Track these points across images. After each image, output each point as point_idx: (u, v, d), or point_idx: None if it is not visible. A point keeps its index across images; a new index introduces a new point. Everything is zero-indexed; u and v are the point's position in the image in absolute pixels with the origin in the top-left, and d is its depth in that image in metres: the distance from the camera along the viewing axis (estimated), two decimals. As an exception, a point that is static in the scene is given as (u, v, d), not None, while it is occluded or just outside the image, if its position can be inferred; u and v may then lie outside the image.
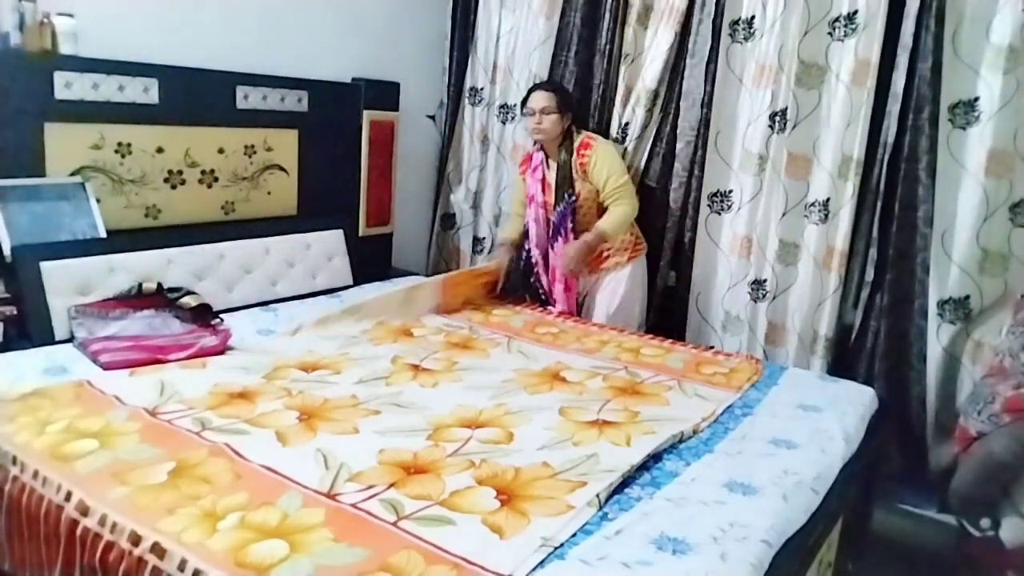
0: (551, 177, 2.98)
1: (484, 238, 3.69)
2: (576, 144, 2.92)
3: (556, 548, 1.35)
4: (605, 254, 2.96)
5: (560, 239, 2.95)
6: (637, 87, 3.10)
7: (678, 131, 3.04)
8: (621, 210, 2.87)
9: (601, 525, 1.44)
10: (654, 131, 3.10)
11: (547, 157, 3.01)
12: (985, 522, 2.18)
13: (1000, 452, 2.10)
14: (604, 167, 2.88)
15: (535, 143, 3.07)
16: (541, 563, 1.31)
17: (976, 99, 2.44)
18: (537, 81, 3.20)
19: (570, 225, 2.93)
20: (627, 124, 3.13)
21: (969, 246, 2.50)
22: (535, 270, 3.12)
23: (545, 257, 3.06)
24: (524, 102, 2.98)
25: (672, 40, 2.97)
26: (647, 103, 3.06)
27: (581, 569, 1.30)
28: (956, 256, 2.53)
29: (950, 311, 2.56)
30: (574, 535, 1.40)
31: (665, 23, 3.00)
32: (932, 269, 2.56)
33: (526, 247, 3.14)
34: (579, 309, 3.08)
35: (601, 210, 2.93)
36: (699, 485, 1.64)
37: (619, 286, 2.99)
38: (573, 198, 2.92)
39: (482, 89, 3.57)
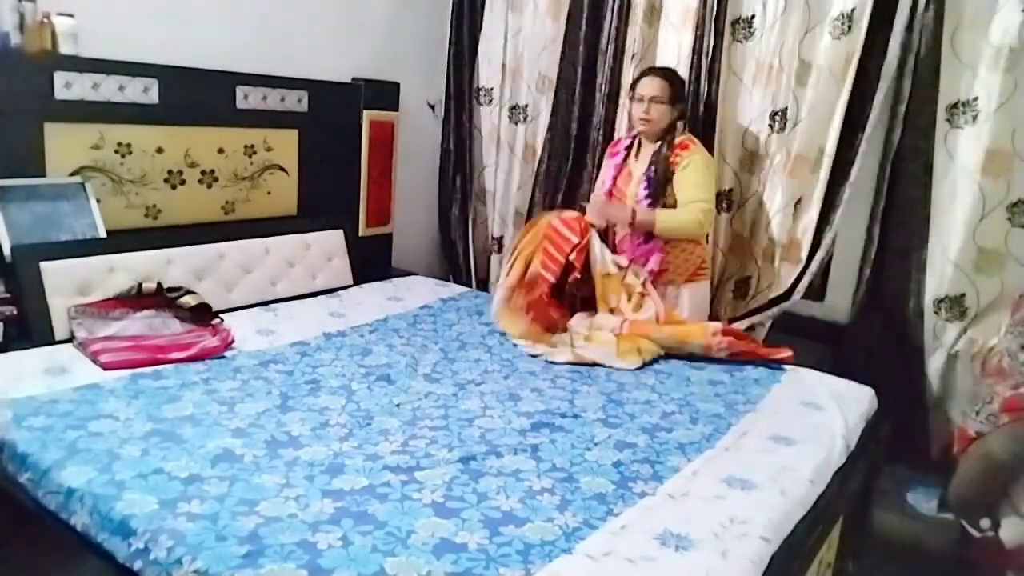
0: (636, 168, 2.71)
1: (502, 236, 3.66)
2: (676, 140, 2.64)
3: (563, 544, 1.36)
4: (664, 267, 2.67)
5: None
6: None
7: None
8: (685, 216, 2.56)
9: (607, 520, 1.45)
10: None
11: (638, 145, 2.76)
12: (985, 522, 2.18)
13: (999, 452, 2.10)
14: (693, 175, 2.58)
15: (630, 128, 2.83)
16: (549, 557, 1.32)
17: (974, 99, 2.45)
18: (540, 80, 3.11)
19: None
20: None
21: (966, 245, 2.51)
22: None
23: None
24: (633, 85, 2.73)
25: (692, 42, 2.92)
26: None
27: (587, 564, 1.31)
28: (953, 255, 2.53)
29: (946, 310, 2.57)
30: (580, 530, 1.41)
31: (682, 24, 2.97)
32: (928, 268, 2.57)
33: None
34: None
35: None
36: (699, 480, 1.65)
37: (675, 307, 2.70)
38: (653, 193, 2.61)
39: (492, 89, 3.55)
